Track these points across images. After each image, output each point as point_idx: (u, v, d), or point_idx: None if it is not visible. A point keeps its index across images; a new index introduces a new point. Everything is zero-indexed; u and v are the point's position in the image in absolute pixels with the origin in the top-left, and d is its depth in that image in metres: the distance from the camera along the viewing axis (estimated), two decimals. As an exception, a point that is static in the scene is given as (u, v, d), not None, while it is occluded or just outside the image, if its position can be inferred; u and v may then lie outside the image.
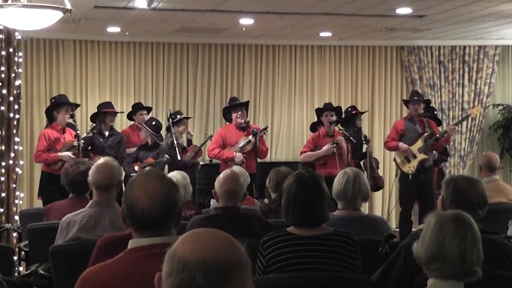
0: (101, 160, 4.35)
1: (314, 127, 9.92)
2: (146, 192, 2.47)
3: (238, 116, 8.56)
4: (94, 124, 8.64)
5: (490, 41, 11.24)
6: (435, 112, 9.91)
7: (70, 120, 8.12)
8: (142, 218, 2.45)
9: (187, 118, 9.39)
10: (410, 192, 8.73)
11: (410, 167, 8.64)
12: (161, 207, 2.45)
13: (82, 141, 8.01)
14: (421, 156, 8.60)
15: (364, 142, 9.10)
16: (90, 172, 4.24)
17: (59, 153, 7.92)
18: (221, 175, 4.66)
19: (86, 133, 8.46)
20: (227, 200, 4.54)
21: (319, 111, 9.05)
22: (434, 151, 8.77)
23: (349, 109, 9.68)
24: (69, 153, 7.88)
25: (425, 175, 8.62)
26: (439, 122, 9.57)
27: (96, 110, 8.94)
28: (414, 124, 8.78)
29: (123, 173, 7.04)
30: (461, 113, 11.42)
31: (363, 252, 3.71)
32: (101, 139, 8.50)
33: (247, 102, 9.14)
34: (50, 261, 4.12)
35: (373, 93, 11.53)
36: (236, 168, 5.06)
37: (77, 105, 8.85)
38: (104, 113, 8.68)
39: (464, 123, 11.22)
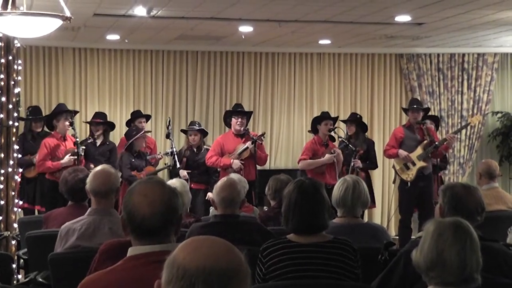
0: (99, 167, 4.35)
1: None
2: (146, 199, 2.46)
3: (238, 123, 8.57)
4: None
5: (489, 48, 11.25)
6: (435, 115, 9.89)
7: (70, 128, 8.18)
8: (142, 225, 2.44)
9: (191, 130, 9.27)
10: (409, 199, 8.72)
11: (409, 175, 8.65)
12: (161, 214, 2.44)
13: (83, 147, 8.17)
14: (420, 164, 8.60)
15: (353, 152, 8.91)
16: (88, 179, 4.23)
17: (62, 161, 8.00)
18: (219, 183, 4.67)
19: (85, 140, 8.57)
20: (225, 208, 4.54)
21: (316, 120, 8.98)
22: (433, 159, 8.77)
23: (358, 116, 9.59)
24: (70, 157, 7.98)
25: (425, 183, 8.62)
26: (437, 121, 9.56)
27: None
28: (413, 132, 8.79)
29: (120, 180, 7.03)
30: (460, 121, 11.43)
31: (362, 259, 3.71)
32: (92, 147, 8.61)
33: (251, 112, 9.15)
34: (49, 269, 4.11)
35: (372, 100, 11.54)
36: (233, 175, 5.05)
37: (75, 112, 8.89)
38: (94, 123, 8.89)
39: (463, 130, 11.22)
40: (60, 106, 8.70)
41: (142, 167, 8.65)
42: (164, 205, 2.45)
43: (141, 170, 8.60)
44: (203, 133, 9.22)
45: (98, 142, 8.78)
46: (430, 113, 9.93)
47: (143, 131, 8.80)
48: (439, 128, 9.96)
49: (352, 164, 8.67)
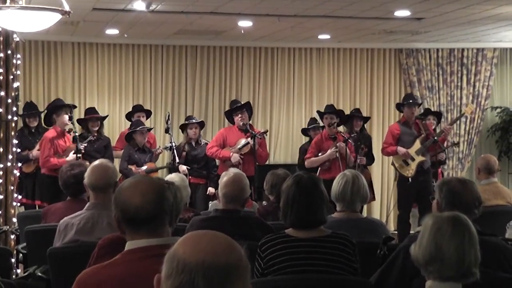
0: (96, 161, 4.36)
1: (305, 132, 9.90)
2: (136, 190, 2.51)
3: (239, 119, 8.60)
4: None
5: (488, 43, 11.25)
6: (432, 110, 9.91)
7: (69, 123, 8.17)
8: (136, 215, 2.47)
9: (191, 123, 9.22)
10: (409, 194, 8.73)
11: (409, 170, 8.65)
12: (153, 201, 2.48)
13: (85, 144, 8.14)
14: (419, 158, 8.61)
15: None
16: (86, 174, 4.24)
17: (67, 158, 7.98)
18: (224, 178, 4.63)
19: (84, 138, 8.49)
20: (227, 203, 4.53)
21: (321, 114, 9.05)
22: (431, 153, 8.78)
23: (353, 111, 9.65)
24: (73, 156, 7.97)
25: (424, 177, 8.63)
26: (439, 116, 9.57)
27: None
28: (409, 127, 8.79)
29: (119, 174, 7.00)
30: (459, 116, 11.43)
31: (361, 254, 3.71)
32: (87, 144, 8.51)
33: (248, 103, 9.13)
34: (48, 263, 4.11)
35: (371, 95, 11.54)
36: (232, 170, 5.03)
37: (73, 106, 8.86)
38: (87, 119, 8.79)
39: (463, 126, 11.23)
40: (58, 101, 8.68)
41: (143, 162, 8.61)
42: (154, 193, 2.49)
43: (141, 165, 8.56)
44: (201, 125, 9.23)
45: (93, 138, 8.67)
46: (431, 109, 9.96)
47: (143, 126, 8.78)
48: (440, 123, 9.93)
49: (358, 161, 8.71)
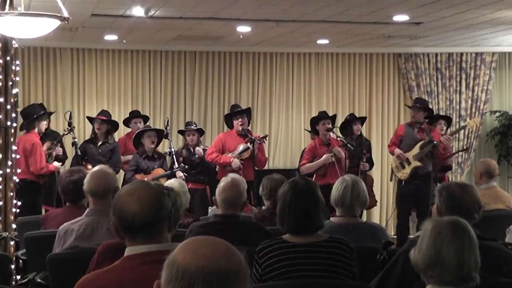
0: (96, 167, 4.36)
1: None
2: (133, 197, 2.50)
3: (239, 123, 8.57)
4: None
5: (487, 48, 11.26)
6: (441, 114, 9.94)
7: (68, 129, 8.20)
8: (133, 223, 2.47)
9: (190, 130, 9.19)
10: (406, 197, 8.75)
11: (403, 173, 8.69)
12: (151, 208, 2.48)
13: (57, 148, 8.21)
14: (415, 163, 8.62)
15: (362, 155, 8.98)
16: (85, 180, 4.24)
17: (54, 164, 7.98)
18: (222, 183, 4.63)
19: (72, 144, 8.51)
20: (226, 209, 4.53)
21: (314, 120, 8.99)
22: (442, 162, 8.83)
23: (348, 117, 9.67)
24: (58, 163, 8.01)
25: (419, 181, 8.62)
26: (449, 120, 9.62)
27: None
28: (414, 130, 8.80)
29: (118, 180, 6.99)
30: (458, 120, 11.43)
31: (361, 259, 3.70)
32: (92, 147, 8.48)
33: (249, 109, 9.13)
34: (48, 269, 4.11)
35: (370, 100, 11.54)
36: (232, 175, 5.03)
37: (50, 113, 8.85)
38: (94, 121, 8.79)
39: (462, 130, 11.21)
40: (37, 109, 8.62)
41: (152, 169, 8.46)
42: (151, 199, 2.49)
43: (149, 172, 8.43)
44: (201, 132, 9.19)
45: (99, 142, 8.63)
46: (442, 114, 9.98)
47: (143, 128, 8.74)
48: (450, 127, 9.89)
49: (361, 167, 8.74)
